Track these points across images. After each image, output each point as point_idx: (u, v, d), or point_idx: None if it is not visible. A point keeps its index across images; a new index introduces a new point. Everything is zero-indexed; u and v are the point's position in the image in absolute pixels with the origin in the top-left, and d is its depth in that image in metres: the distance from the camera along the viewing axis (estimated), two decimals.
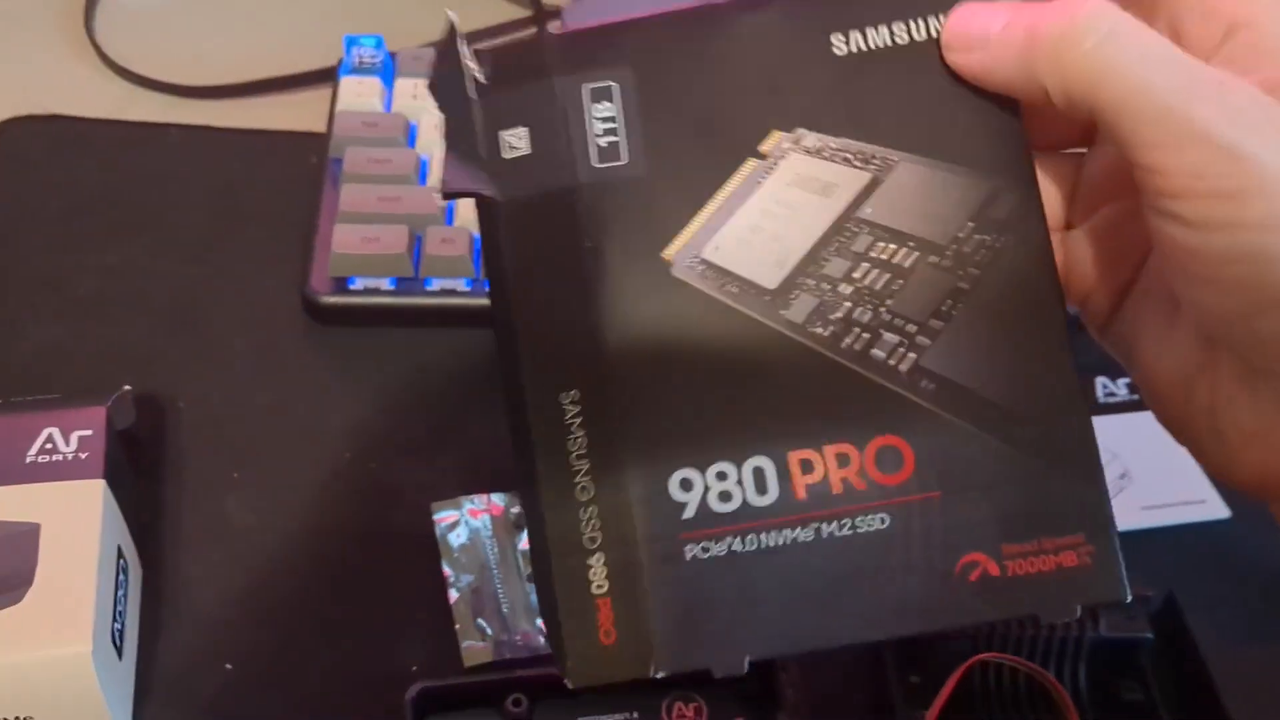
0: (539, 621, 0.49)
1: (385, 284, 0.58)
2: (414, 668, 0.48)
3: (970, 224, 0.31)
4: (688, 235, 0.32)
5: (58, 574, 0.44)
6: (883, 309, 0.31)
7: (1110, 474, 0.53)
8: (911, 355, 0.31)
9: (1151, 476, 0.53)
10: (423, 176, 0.61)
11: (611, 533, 0.31)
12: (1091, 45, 0.29)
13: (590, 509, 0.31)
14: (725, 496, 0.31)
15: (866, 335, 0.31)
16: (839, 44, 0.32)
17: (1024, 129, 0.32)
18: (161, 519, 0.52)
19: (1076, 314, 0.37)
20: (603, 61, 0.32)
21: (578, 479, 0.31)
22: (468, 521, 0.51)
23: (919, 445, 0.31)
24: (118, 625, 0.45)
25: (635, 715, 0.45)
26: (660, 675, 0.31)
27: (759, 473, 0.31)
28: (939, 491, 0.31)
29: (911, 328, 0.31)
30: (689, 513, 0.31)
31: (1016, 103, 0.32)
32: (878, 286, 0.31)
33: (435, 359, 0.58)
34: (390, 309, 0.58)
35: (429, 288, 0.58)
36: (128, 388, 0.52)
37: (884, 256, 0.32)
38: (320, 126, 0.65)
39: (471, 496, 0.52)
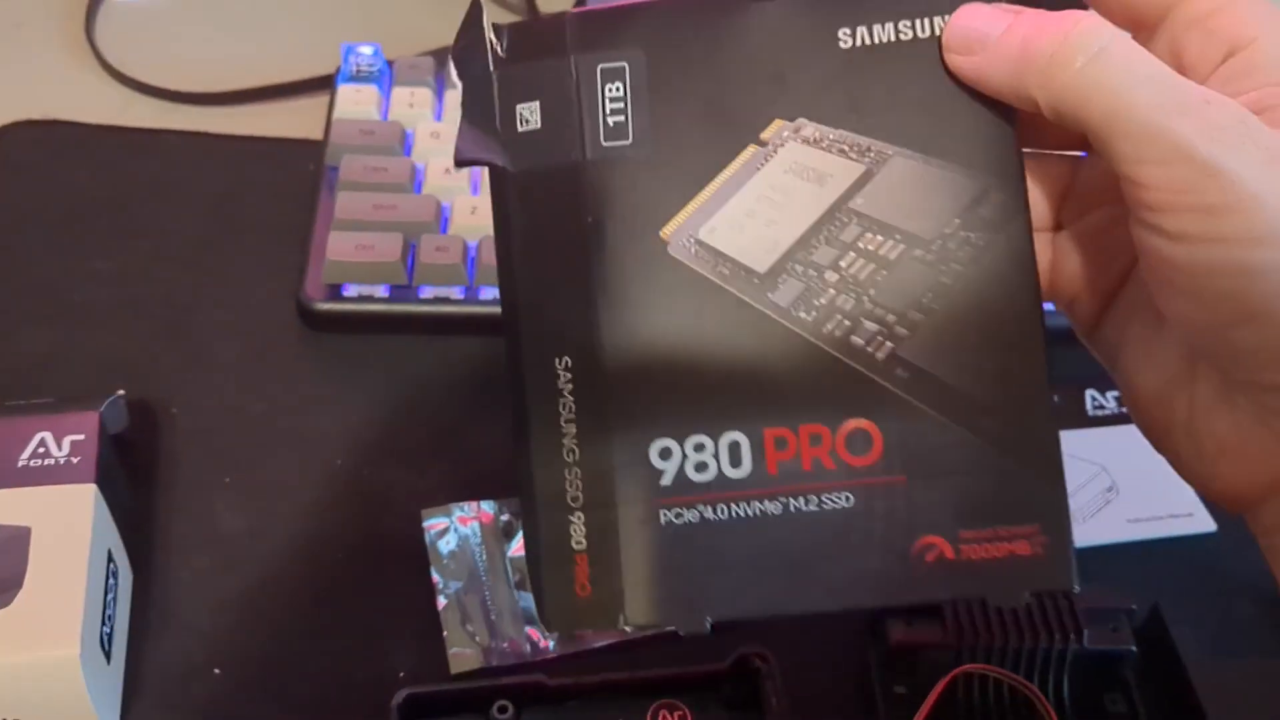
0: (526, 627, 0.49)
1: (379, 291, 0.58)
2: (401, 674, 0.49)
3: (957, 221, 0.32)
4: (685, 216, 0.33)
5: (47, 577, 0.44)
6: (865, 298, 0.32)
7: (1097, 487, 0.55)
8: (889, 344, 0.32)
9: (1138, 490, 0.53)
10: (418, 185, 0.62)
11: (593, 494, 0.33)
12: (1081, 64, 0.30)
13: (575, 470, 0.33)
14: (701, 467, 0.33)
15: (848, 322, 0.32)
16: (845, 37, 0.33)
17: (1017, 132, 0.32)
18: (153, 524, 0.52)
19: (1066, 323, 0.37)
20: (617, 42, 0.34)
21: (565, 441, 0.33)
22: (457, 529, 0.52)
23: (889, 430, 0.32)
24: (106, 629, 0.46)
25: None
26: (627, 629, 0.33)
27: (735, 446, 0.33)
28: (904, 475, 0.32)
29: (891, 318, 0.32)
30: (666, 480, 0.33)
31: (1011, 106, 0.33)
32: (862, 276, 0.33)
33: (428, 367, 0.58)
34: (384, 316, 0.58)
35: (423, 295, 0.58)
36: (121, 392, 0.52)
37: (871, 247, 0.33)
38: (318, 134, 0.66)
39: (461, 504, 0.52)
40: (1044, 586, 0.32)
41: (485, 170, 0.34)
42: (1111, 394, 0.57)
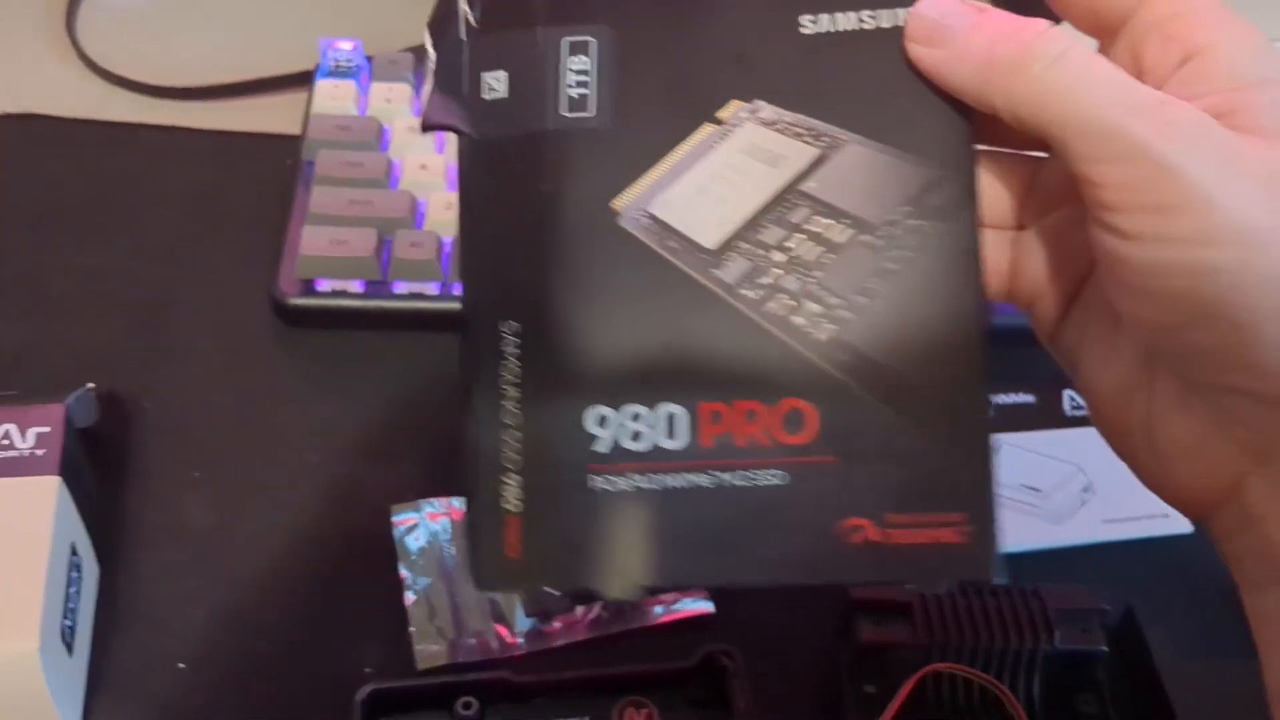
0: (494, 624, 0.49)
1: (354, 287, 0.58)
2: (368, 669, 0.48)
3: (905, 209, 0.32)
4: (638, 189, 0.33)
5: (7, 570, 0.44)
6: (810, 280, 0.33)
7: (1074, 487, 0.54)
8: (831, 326, 0.32)
9: (1115, 490, 0.53)
10: (394, 180, 0.61)
11: (529, 456, 0.33)
12: (1040, 69, 0.30)
13: (513, 432, 0.33)
14: (637, 436, 0.33)
15: (791, 302, 0.32)
16: (808, 23, 0.33)
17: (971, 125, 0.33)
18: (121, 517, 0.52)
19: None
20: (585, 17, 0.34)
21: (506, 403, 0.33)
22: (426, 524, 0.51)
23: (824, 411, 0.32)
24: (68, 622, 0.45)
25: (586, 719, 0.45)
26: (553, 591, 0.33)
27: (671, 418, 0.33)
28: (836, 456, 0.32)
29: (834, 300, 0.32)
30: (601, 447, 0.33)
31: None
32: (809, 258, 0.33)
33: (401, 362, 0.58)
34: (358, 312, 0.58)
35: (397, 291, 0.58)
36: (91, 386, 0.52)
37: (819, 230, 0.33)
38: (297, 129, 0.66)
39: (431, 500, 0.52)
40: (966, 575, 0.32)
41: (454, 136, 0.34)
42: None
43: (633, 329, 0.33)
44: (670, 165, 0.33)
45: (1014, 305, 0.36)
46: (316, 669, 0.48)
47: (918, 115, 0.32)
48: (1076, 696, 0.47)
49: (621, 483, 0.33)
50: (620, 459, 0.33)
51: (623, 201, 0.33)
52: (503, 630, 0.49)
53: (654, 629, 0.49)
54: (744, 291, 0.33)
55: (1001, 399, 0.57)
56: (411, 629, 0.49)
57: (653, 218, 0.33)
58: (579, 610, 0.49)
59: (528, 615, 0.49)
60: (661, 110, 0.33)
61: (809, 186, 0.33)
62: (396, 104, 0.64)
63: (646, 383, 0.33)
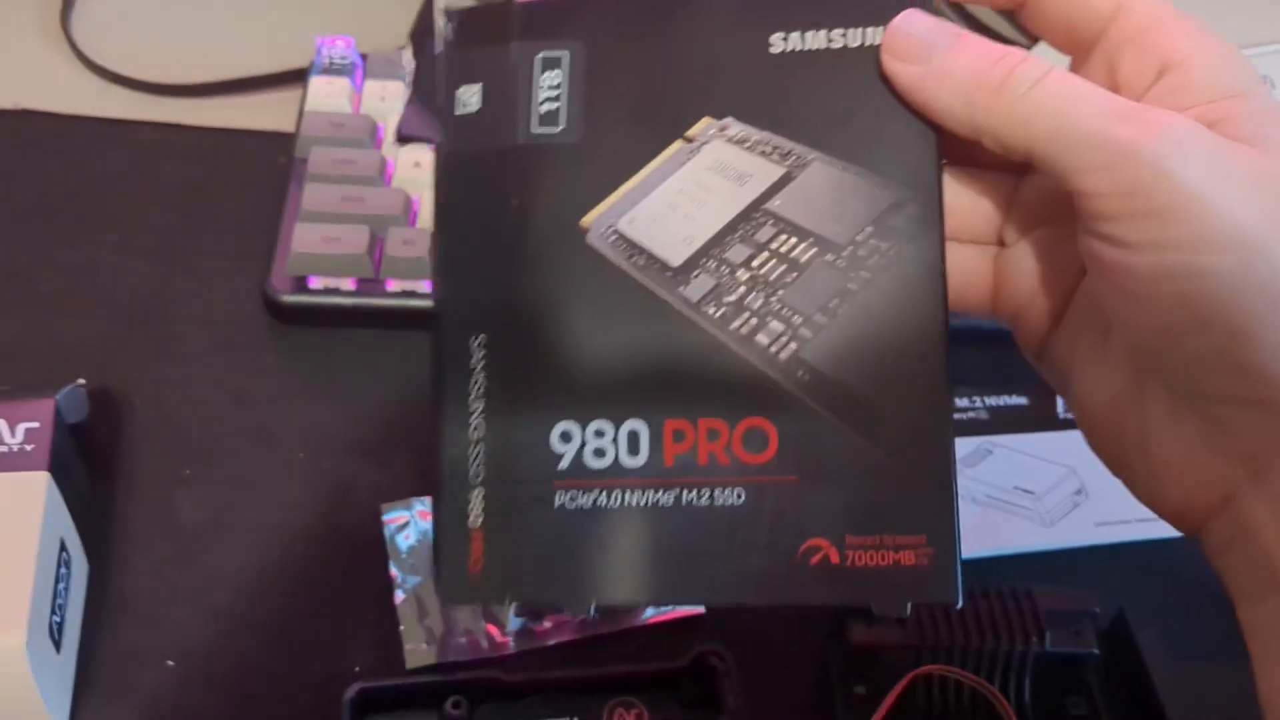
0: (484, 624, 0.49)
1: (346, 284, 0.58)
2: (357, 668, 0.48)
3: (869, 229, 0.32)
4: (606, 206, 0.33)
5: None
6: (774, 298, 0.33)
7: (1066, 489, 0.54)
8: (793, 345, 0.32)
9: (1107, 493, 0.53)
10: (387, 178, 0.61)
11: (493, 471, 0.33)
12: (1023, 90, 0.30)
13: (479, 447, 0.33)
14: (600, 453, 0.33)
15: (755, 321, 0.32)
16: (777, 42, 0.33)
17: (938, 144, 0.33)
18: (111, 514, 0.52)
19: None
20: (558, 33, 0.34)
21: (472, 418, 0.33)
22: (417, 523, 0.51)
23: (785, 430, 0.32)
24: (57, 618, 0.45)
25: None
26: (513, 606, 0.33)
27: (634, 435, 0.33)
28: (796, 476, 0.32)
29: (797, 319, 0.32)
30: (564, 463, 0.33)
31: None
32: (773, 276, 0.33)
33: (393, 360, 0.57)
34: (350, 309, 0.58)
35: (389, 289, 0.58)
36: (81, 382, 0.52)
37: (783, 249, 0.33)
38: (291, 127, 0.65)
39: (422, 498, 0.52)
40: (927, 598, 0.32)
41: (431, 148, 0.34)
42: None
43: (599, 345, 0.33)
44: (638, 182, 0.33)
45: (997, 321, 0.36)
46: (306, 667, 0.48)
47: (885, 135, 0.32)
48: (1067, 699, 0.47)
49: (584, 499, 0.33)
50: (582, 475, 0.33)
51: (590, 218, 0.33)
52: (493, 629, 0.49)
53: (644, 629, 0.49)
54: (708, 309, 0.33)
55: (994, 401, 0.57)
56: (401, 628, 0.49)
57: (620, 234, 0.33)
58: None
59: (517, 615, 0.48)
60: (632, 126, 0.34)
61: (774, 205, 0.33)
62: (390, 102, 0.64)
63: (611, 399, 0.33)
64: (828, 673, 0.47)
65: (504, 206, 0.33)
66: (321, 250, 0.57)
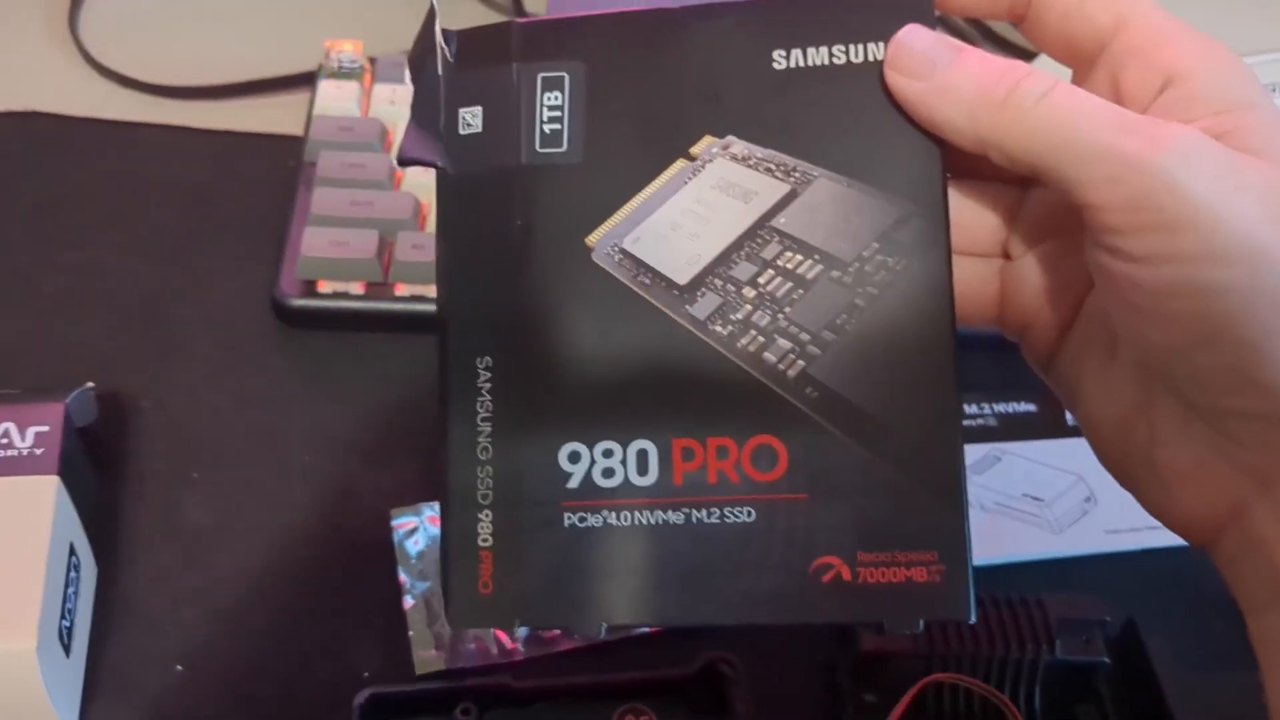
0: (493, 630, 0.49)
1: (354, 288, 0.58)
2: (366, 674, 0.48)
3: (875, 245, 0.32)
4: (611, 224, 0.33)
5: (5, 569, 0.43)
6: (781, 316, 0.32)
7: (1075, 497, 0.54)
8: (801, 363, 0.32)
9: (1116, 500, 0.52)
10: (397, 182, 0.61)
11: (502, 492, 0.33)
12: (1029, 105, 0.30)
13: (487, 468, 0.33)
14: (609, 473, 0.33)
15: (762, 338, 0.32)
16: (779, 58, 0.33)
17: (943, 160, 0.32)
18: (119, 517, 0.52)
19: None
20: (559, 53, 0.34)
21: (480, 439, 0.33)
22: (426, 528, 0.51)
23: (794, 448, 0.32)
24: (66, 622, 0.45)
25: None
26: (524, 629, 0.33)
27: (643, 455, 0.33)
28: (806, 494, 0.32)
29: (805, 336, 0.32)
30: (573, 483, 0.33)
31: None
32: (779, 294, 0.33)
33: (401, 365, 0.57)
34: (358, 314, 0.58)
35: (398, 294, 0.58)
36: (90, 385, 0.52)
37: (789, 266, 0.33)
38: (299, 130, 0.65)
39: (431, 503, 0.52)
40: (939, 615, 0.31)
41: (433, 172, 0.34)
42: None
43: (606, 365, 0.33)
44: (643, 200, 0.33)
45: (1004, 334, 0.36)
46: (314, 673, 0.48)
47: (889, 150, 0.32)
48: (1077, 707, 0.47)
49: (592, 519, 0.32)
50: (591, 495, 0.33)
51: (596, 237, 0.33)
52: (502, 635, 0.49)
53: (654, 636, 0.49)
54: (715, 328, 0.33)
55: (1003, 408, 0.57)
56: (410, 633, 0.49)
57: (625, 253, 0.33)
58: None
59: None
60: (634, 145, 0.33)
61: (780, 222, 0.33)
62: (399, 105, 0.64)
63: (620, 419, 0.33)
64: (837, 680, 0.47)
65: (508, 227, 0.33)
66: (330, 254, 0.57)
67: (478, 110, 0.34)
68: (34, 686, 0.42)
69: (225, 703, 0.47)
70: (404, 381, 0.57)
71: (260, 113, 0.69)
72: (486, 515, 0.33)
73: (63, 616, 0.45)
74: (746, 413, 0.32)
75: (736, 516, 0.32)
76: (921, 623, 0.31)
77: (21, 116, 0.67)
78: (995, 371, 0.52)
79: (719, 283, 0.33)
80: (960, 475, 0.32)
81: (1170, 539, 0.40)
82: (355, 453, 0.55)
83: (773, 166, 0.33)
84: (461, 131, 0.34)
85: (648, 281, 0.33)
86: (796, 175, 0.33)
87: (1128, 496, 0.35)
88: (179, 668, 0.48)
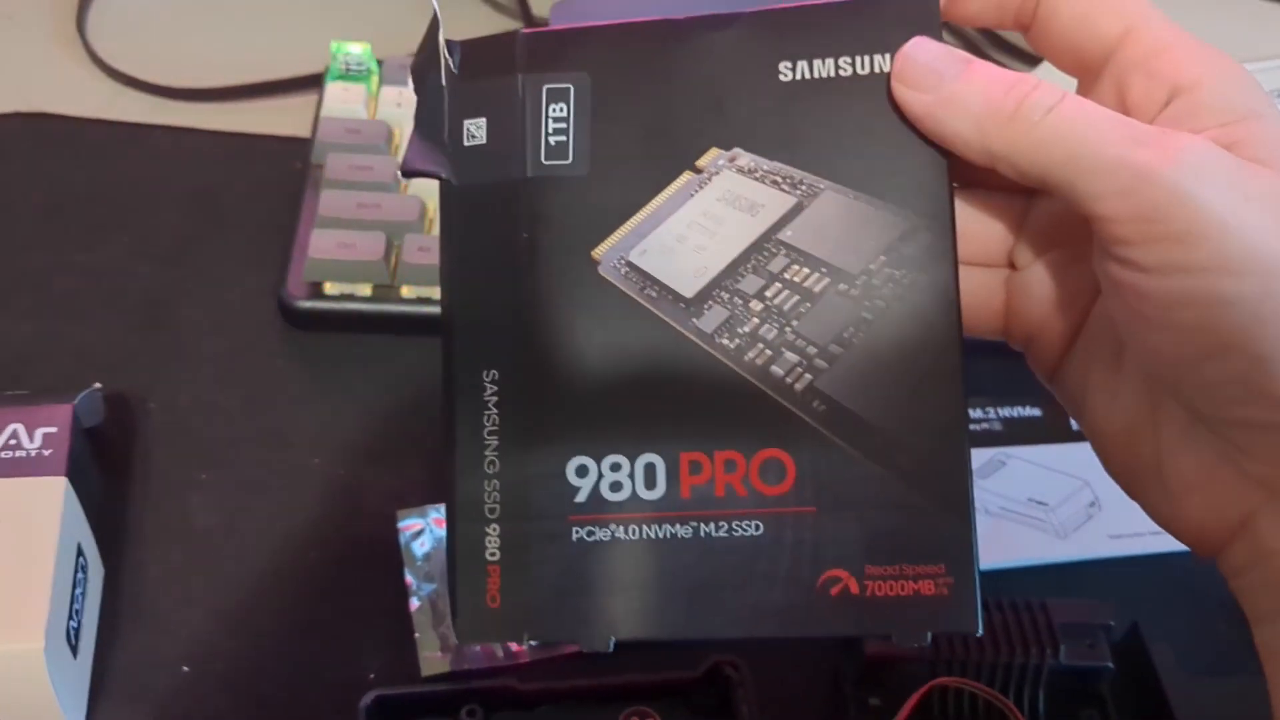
0: None
1: (361, 290, 0.58)
2: (372, 675, 0.48)
3: (882, 258, 0.32)
4: (617, 237, 0.33)
5: (13, 570, 0.43)
6: (788, 329, 0.32)
7: (1080, 502, 0.54)
8: (808, 376, 0.32)
9: (1121, 505, 0.51)
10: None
11: (509, 506, 0.33)
12: (1038, 118, 0.30)
13: (494, 481, 0.33)
14: (616, 486, 0.33)
15: (769, 352, 0.32)
16: (786, 71, 0.33)
17: (950, 172, 0.32)
18: (126, 518, 0.52)
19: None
20: (564, 64, 0.34)
21: (487, 452, 0.33)
22: (432, 530, 0.51)
23: (802, 461, 0.32)
24: (74, 623, 0.45)
25: None
26: (532, 643, 0.33)
27: (650, 468, 0.32)
28: (814, 507, 0.32)
29: (812, 350, 0.32)
30: (581, 497, 0.33)
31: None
32: (786, 307, 0.32)
33: (408, 367, 0.58)
34: (365, 316, 0.58)
35: (405, 296, 0.58)
36: (98, 386, 0.52)
37: (796, 279, 0.33)
38: (307, 132, 0.66)
39: (437, 505, 0.52)
40: (947, 628, 0.32)
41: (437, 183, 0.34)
42: None
43: (612, 378, 0.33)
44: (649, 213, 0.33)
45: (1009, 344, 0.36)
46: (320, 674, 0.48)
47: (895, 162, 0.32)
48: (1081, 712, 0.47)
49: (600, 533, 0.32)
50: (599, 509, 0.32)
51: (602, 250, 0.33)
52: None
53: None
54: (722, 341, 0.33)
55: (1008, 412, 0.57)
56: (416, 635, 0.49)
57: (632, 266, 0.33)
58: None
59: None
60: (640, 158, 0.33)
61: (786, 235, 0.33)
62: (407, 108, 0.64)
63: (627, 432, 0.33)
64: (841, 684, 0.47)
65: (513, 240, 0.33)
66: (337, 256, 0.57)
67: (482, 122, 0.34)
68: (41, 687, 0.42)
69: (231, 703, 0.47)
70: (410, 383, 0.57)
71: (268, 114, 0.69)
72: (494, 529, 0.33)
73: (70, 617, 0.45)
74: (754, 426, 0.32)
75: (744, 530, 0.32)
76: (929, 636, 0.31)
77: (29, 117, 0.68)
78: (1001, 376, 0.52)
79: (726, 296, 0.33)
80: (968, 489, 0.32)
81: (1175, 544, 0.40)
82: (361, 454, 0.55)
83: (779, 179, 0.33)
84: (466, 143, 0.34)
85: (654, 294, 0.33)
86: (803, 188, 0.33)
87: (1132, 502, 0.35)
88: (185, 668, 0.48)
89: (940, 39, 0.32)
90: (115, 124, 0.68)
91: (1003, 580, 0.52)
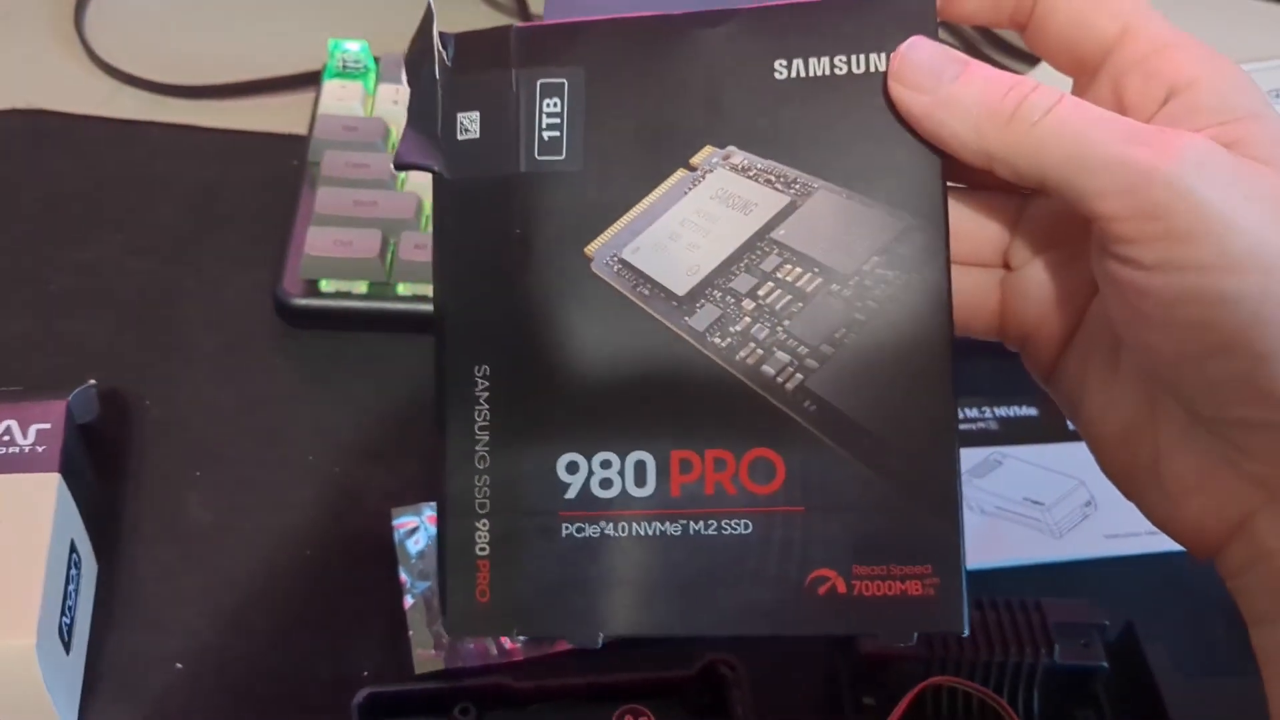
0: None
1: (357, 288, 0.58)
2: (365, 673, 0.48)
3: (875, 259, 0.32)
4: (610, 234, 0.33)
5: (6, 566, 0.43)
6: (780, 328, 0.32)
7: (1076, 501, 0.54)
8: (799, 376, 0.32)
9: (1116, 505, 0.51)
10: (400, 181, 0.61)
11: (499, 501, 0.33)
12: (1035, 119, 0.30)
13: (484, 477, 0.33)
14: (606, 484, 0.33)
15: (761, 351, 0.32)
16: (781, 69, 0.33)
17: (944, 173, 0.32)
18: (120, 515, 0.52)
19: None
20: (559, 59, 0.34)
21: (478, 448, 0.33)
22: (427, 528, 0.51)
23: (791, 461, 0.32)
24: (66, 619, 0.45)
25: None
26: (521, 638, 0.33)
27: (640, 466, 0.32)
28: (803, 507, 0.32)
29: (803, 350, 0.32)
30: (571, 494, 0.33)
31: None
32: (778, 306, 0.32)
33: (404, 365, 0.58)
34: (361, 313, 0.58)
35: (401, 293, 0.58)
36: (92, 382, 0.52)
37: (789, 278, 0.32)
38: (303, 129, 0.66)
39: (432, 503, 0.52)
40: (933, 628, 0.32)
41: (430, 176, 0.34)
42: None
43: (604, 376, 0.33)
44: (642, 210, 0.33)
45: (1005, 345, 0.36)
46: (314, 671, 0.48)
47: (889, 162, 0.32)
48: (1076, 711, 0.47)
49: (590, 530, 0.32)
50: (589, 505, 0.33)
51: (594, 247, 0.33)
52: (502, 635, 0.49)
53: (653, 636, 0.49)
54: (714, 339, 0.32)
55: (1004, 412, 0.57)
56: (410, 633, 0.49)
57: (624, 263, 0.33)
58: None
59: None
60: (634, 154, 0.33)
61: (779, 234, 0.33)
62: (404, 105, 0.64)
63: (617, 430, 0.33)
64: (836, 683, 0.47)
65: (506, 235, 0.33)
66: (334, 253, 0.57)
67: (475, 116, 0.33)
68: (33, 683, 0.42)
69: (225, 701, 0.47)
70: (406, 381, 0.57)
71: (265, 112, 0.69)
72: (484, 524, 0.33)
73: (63, 614, 0.45)
74: (744, 425, 0.32)
75: (733, 528, 0.32)
76: (916, 635, 0.31)
77: (26, 114, 0.68)
78: (996, 375, 0.52)
79: (718, 294, 0.33)
80: (956, 490, 0.32)
81: (1170, 544, 0.40)
82: (356, 452, 0.55)
83: (773, 178, 0.33)
84: (459, 137, 0.33)
85: (646, 292, 0.33)
86: (797, 187, 0.33)
87: (1128, 502, 0.35)
88: (179, 665, 0.48)
89: (937, 38, 0.32)
90: (112, 121, 0.68)
91: (998, 579, 0.52)
